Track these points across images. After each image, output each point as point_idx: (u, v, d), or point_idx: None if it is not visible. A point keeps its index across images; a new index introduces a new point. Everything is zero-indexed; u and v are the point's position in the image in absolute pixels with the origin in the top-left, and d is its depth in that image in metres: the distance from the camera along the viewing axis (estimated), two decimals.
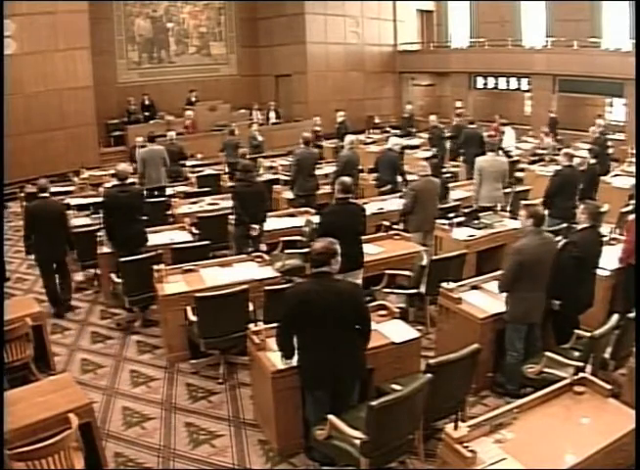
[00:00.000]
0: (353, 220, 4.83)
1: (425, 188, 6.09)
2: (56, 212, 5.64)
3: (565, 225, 5.85)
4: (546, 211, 4.79)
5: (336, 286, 3.19)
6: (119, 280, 5.28)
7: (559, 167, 6.60)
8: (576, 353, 3.68)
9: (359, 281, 4.95)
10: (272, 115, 14.96)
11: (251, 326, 3.84)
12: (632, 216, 5.03)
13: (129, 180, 5.94)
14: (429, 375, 3.06)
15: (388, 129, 14.58)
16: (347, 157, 7.72)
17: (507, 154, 9.53)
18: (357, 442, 2.89)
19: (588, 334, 3.70)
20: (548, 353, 3.70)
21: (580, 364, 3.43)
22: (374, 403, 2.77)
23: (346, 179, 5.03)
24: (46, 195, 5.64)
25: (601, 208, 4.49)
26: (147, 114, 14.10)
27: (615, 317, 3.77)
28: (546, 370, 3.64)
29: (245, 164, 6.18)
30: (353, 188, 5.22)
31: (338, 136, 11.04)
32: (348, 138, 7.99)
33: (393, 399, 2.85)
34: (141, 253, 5.37)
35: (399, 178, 7.74)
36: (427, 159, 9.26)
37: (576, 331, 3.94)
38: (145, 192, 8.23)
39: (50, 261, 5.69)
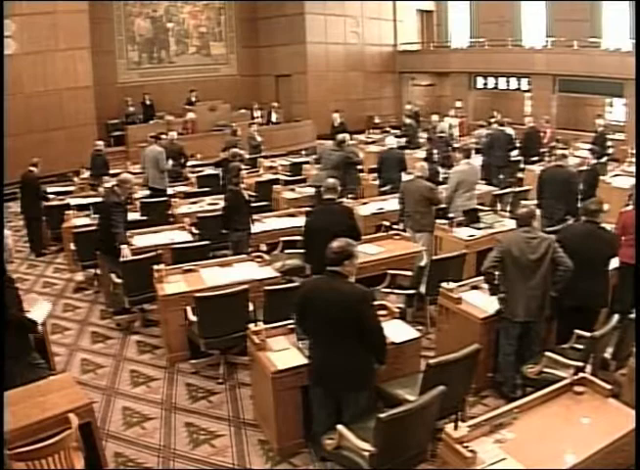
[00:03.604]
0: (334, 221, 4.66)
1: (408, 189, 6.14)
2: (34, 184, 7.72)
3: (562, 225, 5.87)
4: (538, 211, 4.80)
5: (341, 288, 3.09)
6: (119, 280, 5.28)
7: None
8: (576, 353, 3.68)
9: None
10: (274, 115, 14.97)
11: (252, 326, 3.84)
12: (626, 209, 5.09)
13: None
14: (442, 387, 2.92)
15: (388, 129, 14.58)
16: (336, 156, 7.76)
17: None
18: (366, 454, 2.82)
19: (588, 334, 3.71)
20: (548, 354, 3.69)
21: (581, 364, 3.43)
22: (382, 416, 2.70)
23: (330, 180, 5.02)
24: (33, 169, 7.76)
25: (594, 203, 4.44)
26: (145, 115, 14.13)
27: (615, 317, 3.77)
28: (546, 370, 3.63)
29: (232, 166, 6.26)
30: (339, 189, 5.11)
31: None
32: (340, 136, 8.01)
33: (403, 411, 2.76)
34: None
35: (404, 176, 7.76)
36: (425, 159, 9.27)
37: (576, 331, 3.94)
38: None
39: (30, 217, 7.90)
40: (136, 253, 5.50)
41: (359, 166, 8.37)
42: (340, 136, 8.04)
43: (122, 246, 5.36)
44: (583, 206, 4.46)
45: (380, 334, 3.19)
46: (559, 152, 6.83)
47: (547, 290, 3.96)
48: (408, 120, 12.44)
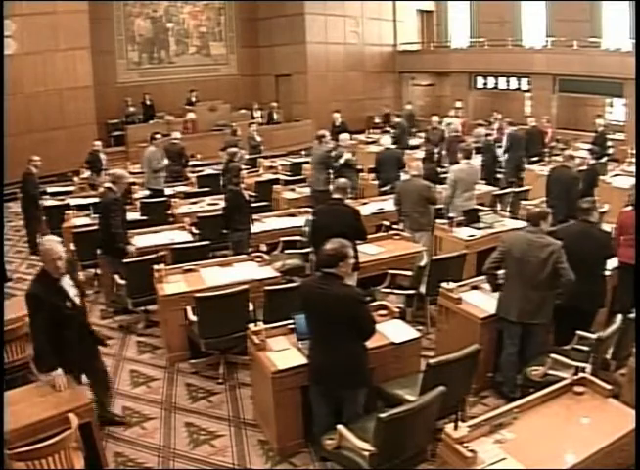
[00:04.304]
0: (339, 221, 4.70)
1: (405, 188, 6.12)
2: (33, 184, 7.79)
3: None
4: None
5: (336, 291, 3.13)
6: (122, 281, 5.27)
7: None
8: (579, 354, 3.66)
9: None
10: (275, 115, 14.97)
11: (252, 326, 3.84)
12: (625, 209, 5.10)
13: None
14: (442, 387, 2.93)
15: (387, 129, 14.57)
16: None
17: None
18: (366, 454, 2.83)
19: (590, 335, 3.71)
20: (553, 356, 3.64)
21: (587, 366, 3.39)
22: (382, 416, 2.71)
23: (341, 180, 5.03)
24: (30, 168, 7.80)
25: (588, 202, 4.44)
26: (145, 115, 14.12)
27: (619, 318, 3.74)
28: (551, 372, 3.58)
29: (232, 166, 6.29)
30: (350, 190, 5.20)
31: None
32: (320, 132, 8.12)
33: (403, 411, 2.77)
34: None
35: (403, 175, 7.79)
36: (424, 159, 9.30)
37: (579, 332, 3.92)
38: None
39: (28, 216, 7.89)
40: (136, 254, 5.50)
41: (359, 167, 8.37)
42: (320, 132, 8.09)
43: (129, 247, 5.43)
44: (579, 205, 4.46)
45: (372, 329, 3.25)
46: (566, 152, 6.83)
47: (547, 295, 3.89)
48: (398, 120, 12.45)
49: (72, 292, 3.48)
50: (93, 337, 3.76)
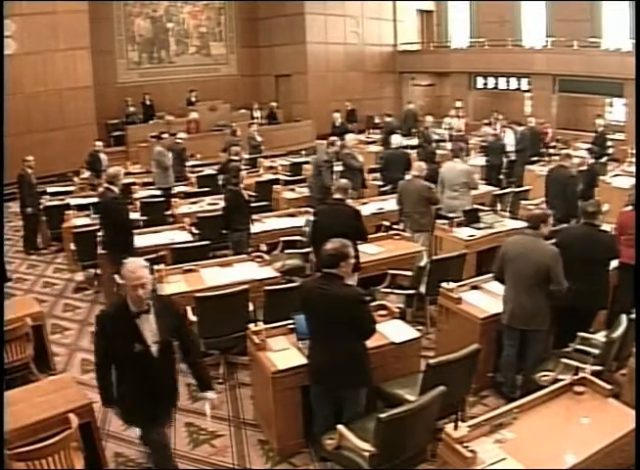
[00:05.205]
0: (339, 222, 4.71)
1: (406, 189, 6.12)
2: (29, 184, 7.87)
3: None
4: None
5: (337, 291, 3.13)
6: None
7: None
8: (581, 356, 3.64)
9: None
10: (276, 114, 14.99)
11: (252, 326, 3.84)
12: (625, 209, 5.10)
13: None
14: (442, 387, 2.93)
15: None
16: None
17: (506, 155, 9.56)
18: (366, 454, 2.83)
19: (594, 336, 3.70)
20: (564, 360, 3.60)
21: (587, 366, 3.37)
22: (382, 416, 2.71)
23: (343, 181, 5.03)
24: (26, 171, 7.87)
25: (594, 205, 4.43)
26: (145, 115, 14.12)
27: (624, 318, 3.73)
28: (560, 377, 3.53)
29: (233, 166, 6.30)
30: (350, 191, 5.22)
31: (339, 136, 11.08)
32: (332, 138, 8.21)
33: (403, 411, 2.77)
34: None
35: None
36: (422, 160, 9.29)
37: (580, 333, 3.90)
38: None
39: (28, 216, 7.91)
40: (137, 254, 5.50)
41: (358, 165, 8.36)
42: (331, 138, 8.13)
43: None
44: (581, 207, 4.47)
45: (372, 329, 3.25)
46: (563, 152, 6.84)
47: (540, 301, 3.81)
48: (388, 119, 12.48)
49: (150, 336, 2.83)
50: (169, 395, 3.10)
